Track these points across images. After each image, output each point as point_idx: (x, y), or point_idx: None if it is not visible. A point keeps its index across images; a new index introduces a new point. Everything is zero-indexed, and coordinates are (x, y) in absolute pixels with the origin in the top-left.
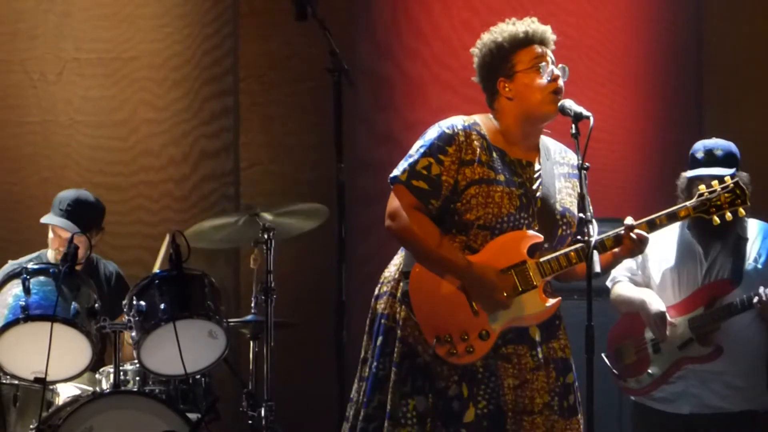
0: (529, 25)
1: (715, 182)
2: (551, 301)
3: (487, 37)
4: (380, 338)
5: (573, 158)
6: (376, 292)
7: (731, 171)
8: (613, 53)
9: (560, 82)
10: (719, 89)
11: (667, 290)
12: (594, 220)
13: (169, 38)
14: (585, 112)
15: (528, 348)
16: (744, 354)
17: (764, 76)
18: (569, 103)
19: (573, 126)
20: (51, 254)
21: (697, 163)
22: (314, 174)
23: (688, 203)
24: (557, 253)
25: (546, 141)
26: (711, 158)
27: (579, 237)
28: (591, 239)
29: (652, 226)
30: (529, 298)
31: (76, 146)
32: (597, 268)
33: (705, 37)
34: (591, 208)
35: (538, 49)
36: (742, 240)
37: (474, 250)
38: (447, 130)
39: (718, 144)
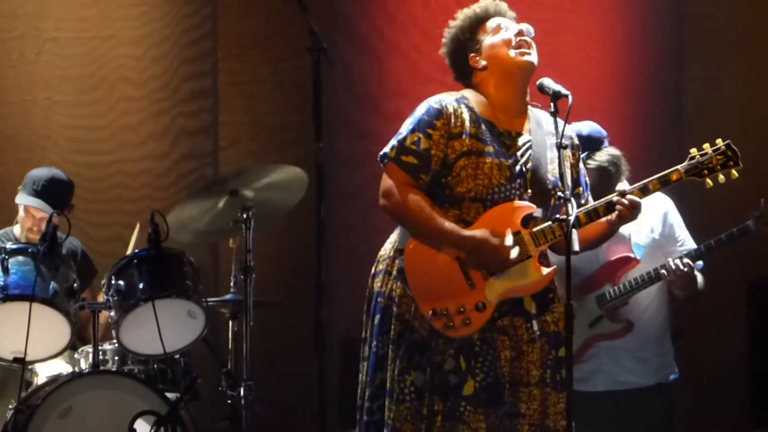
0: (482, 3)
1: (706, 145)
2: (546, 270)
3: (448, 31)
4: (377, 316)
5: (569, 129)
6: (373, 270)
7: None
8: (591, 34)
9: (525, 36)
10: (700, 67)
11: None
12: (573, 199)
13: (147, 16)
14: (563, 91)
15: (524, 320)
16: (651, 327)
17: (746, 53)
18: (548, 82)
19: (552, 104)
20: (19, 231)
21: None
22: (294, 153)
23: (679, 167)
24: (550, 223)
25: (537, 113)
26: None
27: (557, 216)
28: (569, 218)
29: (644, 192)
30: (525, 267)
31: (54, 126)
32: (576, 247)
33: (686, 16)
34: (570, 186)
35: (497, 20)
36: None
37: (468, 223)
38: (435, 105)
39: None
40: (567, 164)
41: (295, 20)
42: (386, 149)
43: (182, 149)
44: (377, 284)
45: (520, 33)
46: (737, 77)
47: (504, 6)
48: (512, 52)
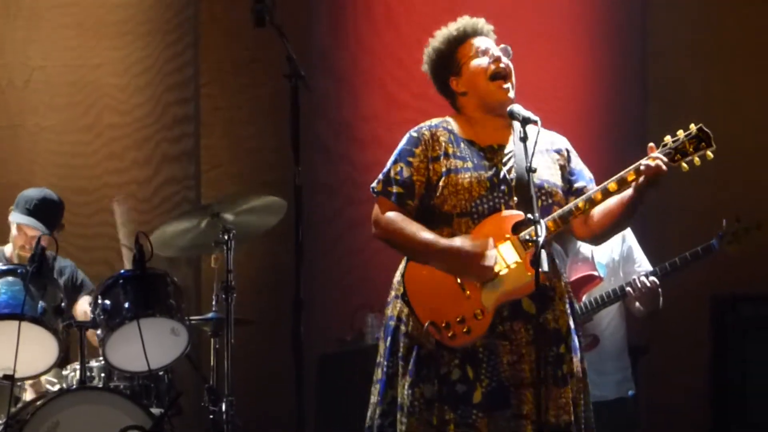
0: (461, 22)
1: (680, 131)
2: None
3: (427, 49)
4: (389, 338)
5: (552, 136)
6: (388, 299)
7: None
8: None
9: (502, 63)
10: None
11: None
12: (542, 221)
13: (132, 45)
14: (533, 117)
15: (523, 323)
16: (613, 342)
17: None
18: (517, 108)
19: (522, 130)
20: (9, 250)
21: None
22: (273, 175)
23: (653, 154)
24: (534, 227)
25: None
26: None
27: (528, 237)
28: (539, 239)
29: (621, 183)
30: (515, 272)
31: (42, 151)
32: (545, 267)
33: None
34: (539, 208)
35: (475, 40)
36: None
37: (459, 233)
38: (413, 134)
39: None
40: (556, 169)
41: (274, 47)
42: (374, 183)
43: (165, 173)
44: (389, 310)
45: (497, 60)
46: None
47: (481, 23)
48: (490, 85)
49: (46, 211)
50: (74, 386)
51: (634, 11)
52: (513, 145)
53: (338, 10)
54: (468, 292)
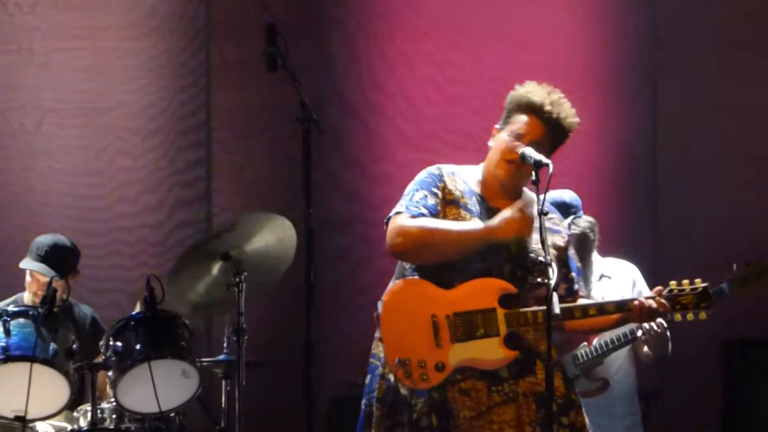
0: (551, 101)
1: (685, 281)
2: (508, 354)
3: (527, 85)
4: (369, 376)
5: (557, 217)
6: (375, 334)
7: (568, 220)
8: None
9: (519, 154)
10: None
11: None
12: (554, 264)
13: (145, 89)
14: (544, 160)
15: (487, 384)
16: (623, 385)
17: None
18: (529, 152)
19: (533, 173)
20: (28, 297)
21: None
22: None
23: (657, 297)
24: (527, 309)
25: (531, 194)
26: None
27: (539, 280)
28: (550, 281)
29: (620, 310)
30: (489, 344)
31: (54, 194)
32: (556, 310)
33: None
34: (550, 250)
35: (533, 123)
36: (605, 278)
37: (445, 285)
38: (434, 171)
39: (552, 197)
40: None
41: (286, 91)
42: (392, 212)
43: (177, 217)
44: (373, 348)
45: (514, 149)
46: (710, 143)
47: (561, 119)
48: (499, 162)
49: (57, 257)
50: (86, 428)
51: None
52: None
53: (351, 48)
54: (440, 341)
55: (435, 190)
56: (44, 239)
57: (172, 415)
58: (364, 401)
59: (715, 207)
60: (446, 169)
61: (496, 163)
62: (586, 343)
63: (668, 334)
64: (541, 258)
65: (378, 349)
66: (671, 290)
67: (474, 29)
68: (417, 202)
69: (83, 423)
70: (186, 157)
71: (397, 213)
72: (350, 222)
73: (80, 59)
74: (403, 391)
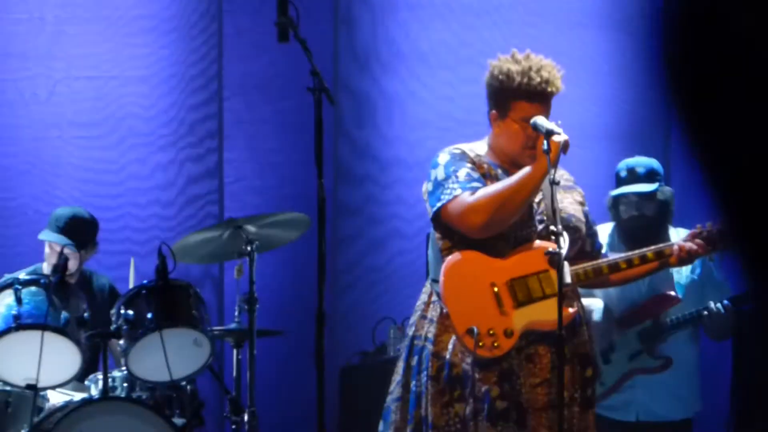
0: (542, 78)
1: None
2: (570, 310)
3: (502, 66)
4: (415, 358)
5: (567, 174)
6: (409, 321)
7: (654, 186)
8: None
9: (531, 124)
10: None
11: (612, 301)
12: (565, 233)
13: (156, 58)
14: (556, 129)
15: (549, 347)
16: (686, 364)
17: None
18: (541, 121)
19: (545, 142)
20: (46, 268)
21: (620, 182)
22: (296, 189)
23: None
24: (582, 266)
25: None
26: (633, 176)
27: (551, 249)
28: (561, 251)
29: (659, 256)
30: (550, 304)
31: (65, 165)
32: (567, 279)
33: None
34: (562, 219)
35: (535, 106)
36: None
37: (497, 256)
38: (456, 151)
39: (640, 162)
40: (580, 207)
41: (298, 61)
42: (440, 202)
43: (189, 190)
44: (412, 330)
45: (534, 138)
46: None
47: (555, 87)
48: (523, 152)
49: (75, 229)
50: (97, 396)
51: None
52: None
53: (360, 30)
54: (504, 308)
55: (469, 164)
56: (63, 211)
57: (184, 384)
58: (413, 383)
59: None
60: (463, 147)
61: (518, 155)
62: (652, 319)
63: (729, 321)
64: (552, 227)
65: (424, 330)
66: (709, 231)
67: None
68: (465, 179)
69: (94, 391)
70: (198, 128)
71: (454, 197)
72: (362, 204)
73: (92, 30)
74: (465, 365)
